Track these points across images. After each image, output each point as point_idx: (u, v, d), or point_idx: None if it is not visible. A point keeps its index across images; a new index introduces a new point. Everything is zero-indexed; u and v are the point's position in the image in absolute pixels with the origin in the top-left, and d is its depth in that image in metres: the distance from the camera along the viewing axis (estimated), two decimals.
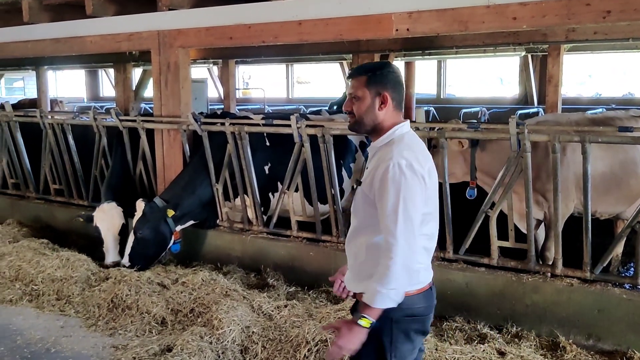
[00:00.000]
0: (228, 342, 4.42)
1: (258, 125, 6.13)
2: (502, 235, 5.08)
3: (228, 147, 6.19)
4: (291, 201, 6.05)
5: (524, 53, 10.74)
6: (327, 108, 9.41)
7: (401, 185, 2.50)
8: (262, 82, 22.29)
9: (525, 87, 15.36)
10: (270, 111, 13.16)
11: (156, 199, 6.21)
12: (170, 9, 6.39)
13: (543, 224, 5.38)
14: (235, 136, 6.09)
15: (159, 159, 6.79)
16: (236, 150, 6.15)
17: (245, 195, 6.33)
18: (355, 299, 2.84)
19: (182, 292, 5.21)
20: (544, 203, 5.17)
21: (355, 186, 2.84)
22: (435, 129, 5.18)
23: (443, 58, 13.47)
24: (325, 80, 22.22)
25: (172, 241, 6.18)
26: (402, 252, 2.48)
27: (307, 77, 22.64)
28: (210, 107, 13.05)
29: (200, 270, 5.95)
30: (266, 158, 6.50)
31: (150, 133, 6.86)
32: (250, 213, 6.39)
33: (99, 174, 7.45)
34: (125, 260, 5.99)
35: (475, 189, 5.35)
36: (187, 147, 6.57)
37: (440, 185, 5.18)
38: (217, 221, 6.59)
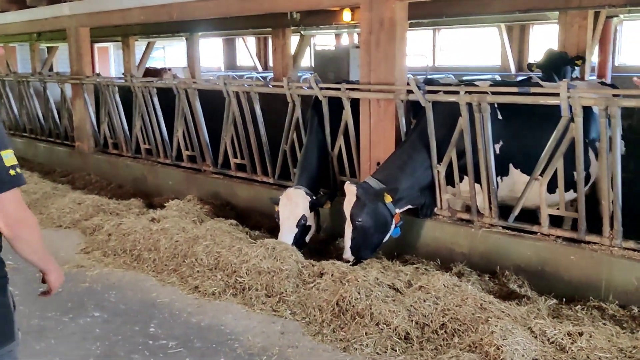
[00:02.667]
0: None
1: (509, 94, 4.96)
2: None
3: (460, 121, 5.11)
4: (544, 190, 4.87)
5: None
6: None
7: None
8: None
9: None
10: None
11: (369, 179, 5.28)
12: None
13: None
14: (471, 108, 5.00)
15: (365, 135, 5.84)
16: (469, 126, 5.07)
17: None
18: None
19: (424, 301, 4.23)
20: None
21: None
22: None
23: None
24: (460, 49, 20.55)
25: (393, 225, 5.25)
26: None
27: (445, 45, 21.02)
28: None
29: (424, 269, 5.06)
30: (498, 134, 5.33)
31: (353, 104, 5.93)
32: (481, 201, 5.29)
33: (289, 149, 6.65)
34: (348, 255, 5.12)
35: None
36: (403, 120, 5.56)
37: None
38: (435, 209, 5.57)
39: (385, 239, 5.24)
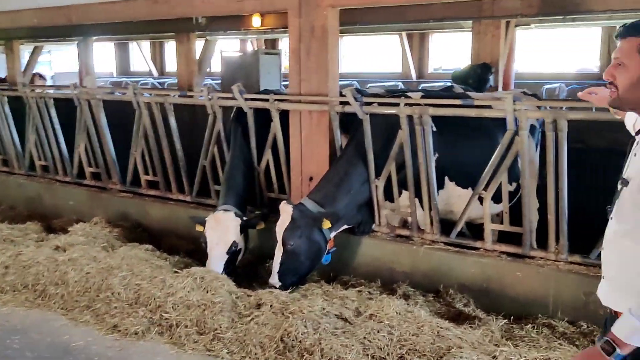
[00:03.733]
0: None
1: (452, 106, 4.77)
2: None
3: (400, 133, 4.86)
4: (487, 205, 4.72)
5: None
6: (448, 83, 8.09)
7: None
8: None
9: (607, 60, 13.93)
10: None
11: (305, 200, 4.90)
12: None
13: None
14: (412, 120, 4.77)
15: (296, 149, 5.46)
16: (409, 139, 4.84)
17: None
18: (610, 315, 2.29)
19: (378, 331, 3.90)
20: None
21: (620, 187, 2.24)
22: None
23: (589, 25, 11.67)
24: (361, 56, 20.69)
25: (325, 252, 4.92)
26: None
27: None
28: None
29: (368, 292, 4.75)
30: (433, 147, 5.14)
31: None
32: (421, 216, 5.07)
33: (209, 165, 6.13)
34: (275, 281, 4.72)
35: None
36: (338, 133, 5.24)
37: None
38: (373, 226, 5.29)
39: (316, 267, 4.92)
